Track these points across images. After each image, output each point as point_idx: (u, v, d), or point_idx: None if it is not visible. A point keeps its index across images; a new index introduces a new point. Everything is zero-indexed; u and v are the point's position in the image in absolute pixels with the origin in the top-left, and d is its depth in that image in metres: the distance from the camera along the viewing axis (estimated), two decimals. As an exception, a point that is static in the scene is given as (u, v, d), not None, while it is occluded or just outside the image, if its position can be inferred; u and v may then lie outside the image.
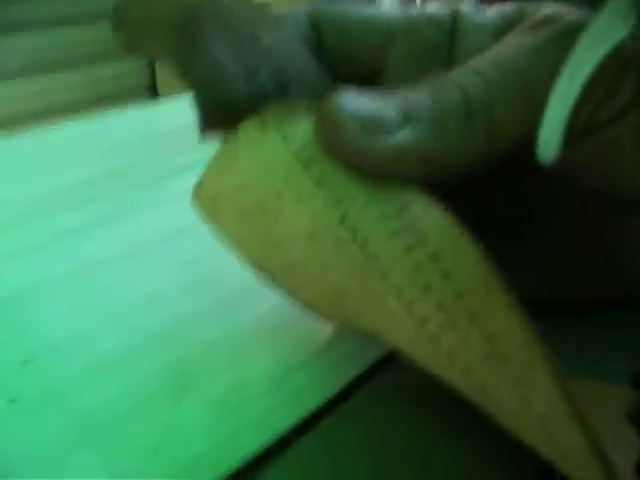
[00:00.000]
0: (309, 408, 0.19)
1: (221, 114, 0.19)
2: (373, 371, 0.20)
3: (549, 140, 0.18)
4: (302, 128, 0.18)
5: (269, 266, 0.18)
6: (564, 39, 0.20)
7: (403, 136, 0.17)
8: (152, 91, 1.34)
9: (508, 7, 0.24)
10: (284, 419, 0.18)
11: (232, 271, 0.19)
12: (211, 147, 0.20)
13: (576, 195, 0.22)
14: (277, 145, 0.18)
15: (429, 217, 0.16)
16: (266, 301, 0.22)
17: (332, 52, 0.23)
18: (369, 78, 0.24)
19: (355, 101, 0.18)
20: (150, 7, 0.21)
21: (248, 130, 0.18)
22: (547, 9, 0.22)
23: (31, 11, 1.16)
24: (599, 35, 0.18)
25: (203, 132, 0.19)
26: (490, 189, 0.22)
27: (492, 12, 0.24)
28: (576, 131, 0.19)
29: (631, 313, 0.23)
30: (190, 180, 0.19)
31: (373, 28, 0.23)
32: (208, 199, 0.19)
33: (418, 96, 0.18)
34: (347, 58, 0.23)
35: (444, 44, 0.23)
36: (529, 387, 0.14)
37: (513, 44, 0.21)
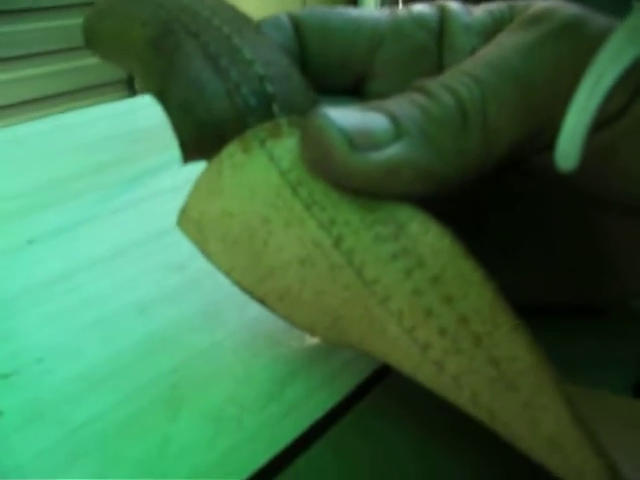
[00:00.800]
0: (308, 420, 0.18)
1: (203, 138, 0.17)
2: (373, 379, 0.20)
3: (568, 150, 0.18)
4: (288, 146, 0.17)
5: (261, 292, 0.17)
6: (559, 36, 0.19)
7: (394, 150, 0.16)
8: (129, 84, 1.31)
9: (496, 5, 0.23)
10: (284, 432, 0.18)
11: (218, 274, 0.18)
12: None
13: (569, 198, 0.22)
14: (264, 167, 0.17)
15: (427, 237, 0.16)
16: (256, 305, 0.22)
17: (317, 59, 0.22)
18: (356, 84, 0.23)
19: (341, 116, 0.16)
20: (123, 19, 0.20)
21: (232, 152, 0.17)
22: (538, 4, 0.21)
23: (5, 0, 1.13)
24: (625, 42, 0.17)
25: (185, 160, 0.18)
26: (479, 194, 0.21)
27: (480, 10, 0.23)
28: None
29: (630, 322, 0.23)
30: (171, 177, 0.19)
31: (359, 33, 0.22)
32: (194, 225, 0.18)
33: (408, 105, 0.18)
34: (333, 65, 0.22)
35: (432, 46, 0.22)
36: (538, 410, 0.14)
37: (506, 43, 0.20)
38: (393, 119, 0.17)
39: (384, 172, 0.16)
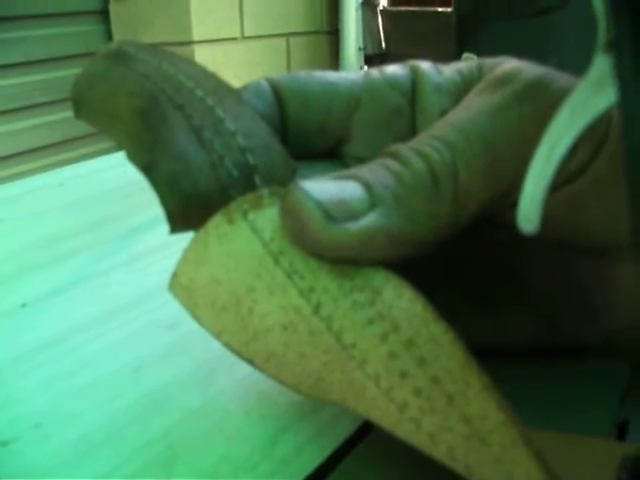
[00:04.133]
0: (299, 476, 0.19)
1: (189, 211, 0.18)
2: (361, 432, 0.21)
3: (529, 213, 0.18)
4: (269, 217, 0.18)
5: (249, 354, 0.18)
6: (522, 98, 0.20)
7: (369, 220, 0.17)
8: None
9: (465, 63, 0.25)
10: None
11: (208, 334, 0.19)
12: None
13: (542, 246, 0.23)
14: (247, 238, 0.18)
15: (401, 302, 0.17)
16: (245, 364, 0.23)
17: (297, 124, 0.23)
18: (334, 147, 0.24)
19: (318, 188, 0.17)
20: (109, 88, 0.20)
21: (217, 224, 0.18)
22: (505, 65, 0.22)
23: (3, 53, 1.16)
24: (578, 108, 0.17)
25: (172, 231, 0.19)
26: (454, 247, 0.22)
27: (450, 70, 0.24)
28: None
29: (610, 362, 0.23)
30: (164, 232, 0.19)
31: (336, 97, 0.23)
32: (184, 290, 0.19)
33: (381, 172, 0.18)
34: (313, 129, 0.23)
35: (406, 107, 0.23)
36: (510, 464, 0.15)
37: (473, 106, 0.21)
38: (367, 187, 0.18)
39: (359, 242, 0.17)
